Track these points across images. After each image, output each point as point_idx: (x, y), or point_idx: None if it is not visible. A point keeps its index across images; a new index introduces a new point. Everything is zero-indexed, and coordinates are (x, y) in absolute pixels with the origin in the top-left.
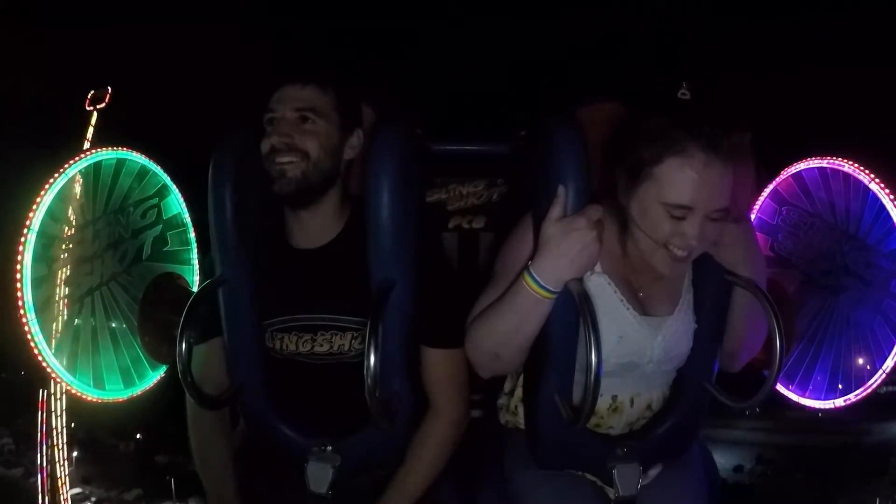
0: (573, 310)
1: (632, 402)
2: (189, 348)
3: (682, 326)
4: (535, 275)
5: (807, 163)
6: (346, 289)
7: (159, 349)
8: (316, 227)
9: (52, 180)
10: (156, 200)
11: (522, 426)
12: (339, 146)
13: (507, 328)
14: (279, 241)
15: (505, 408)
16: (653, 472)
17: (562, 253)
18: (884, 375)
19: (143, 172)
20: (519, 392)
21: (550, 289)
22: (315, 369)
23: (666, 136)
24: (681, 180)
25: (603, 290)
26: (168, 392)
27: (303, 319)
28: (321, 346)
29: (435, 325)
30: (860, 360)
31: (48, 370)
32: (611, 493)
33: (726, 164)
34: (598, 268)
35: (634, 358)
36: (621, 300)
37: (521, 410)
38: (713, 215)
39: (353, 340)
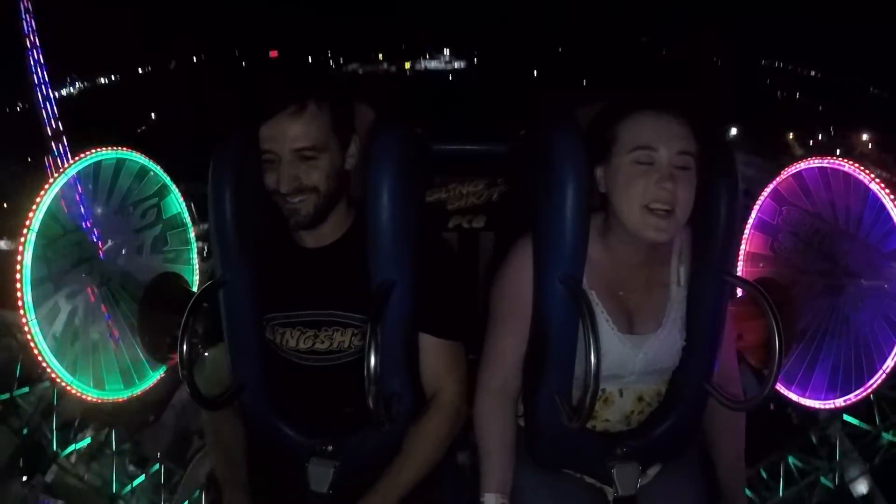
0: (572, 310)
1: (621, 393)
2: (191, 348)
3: (667, 342)
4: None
5: (807, 163)
6: (350, 286)
7: (160, 349)
8: (322, 228)
9: (51, 181)
10: (156, 200)
11: (522, 423)
12: (342, 165)
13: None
14: (284, 239)
15: None
16: (652, 472)
17: None
18: (884, 375)
19: (143, 172)
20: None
21: None
22: (314, 370)
23: (623, 101)
24: (640, 124)
25: None
26: None
27: (305, 315)
28: (322, 342)
29: (436, 314)
30: (860, 360)
31: (48, 370)
32: (609, 495)
33: (677, 115)
34: (584, 282)
35: (615, 371)
36: (607, 320)
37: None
38: (677, 161)
39: (354, 337)
